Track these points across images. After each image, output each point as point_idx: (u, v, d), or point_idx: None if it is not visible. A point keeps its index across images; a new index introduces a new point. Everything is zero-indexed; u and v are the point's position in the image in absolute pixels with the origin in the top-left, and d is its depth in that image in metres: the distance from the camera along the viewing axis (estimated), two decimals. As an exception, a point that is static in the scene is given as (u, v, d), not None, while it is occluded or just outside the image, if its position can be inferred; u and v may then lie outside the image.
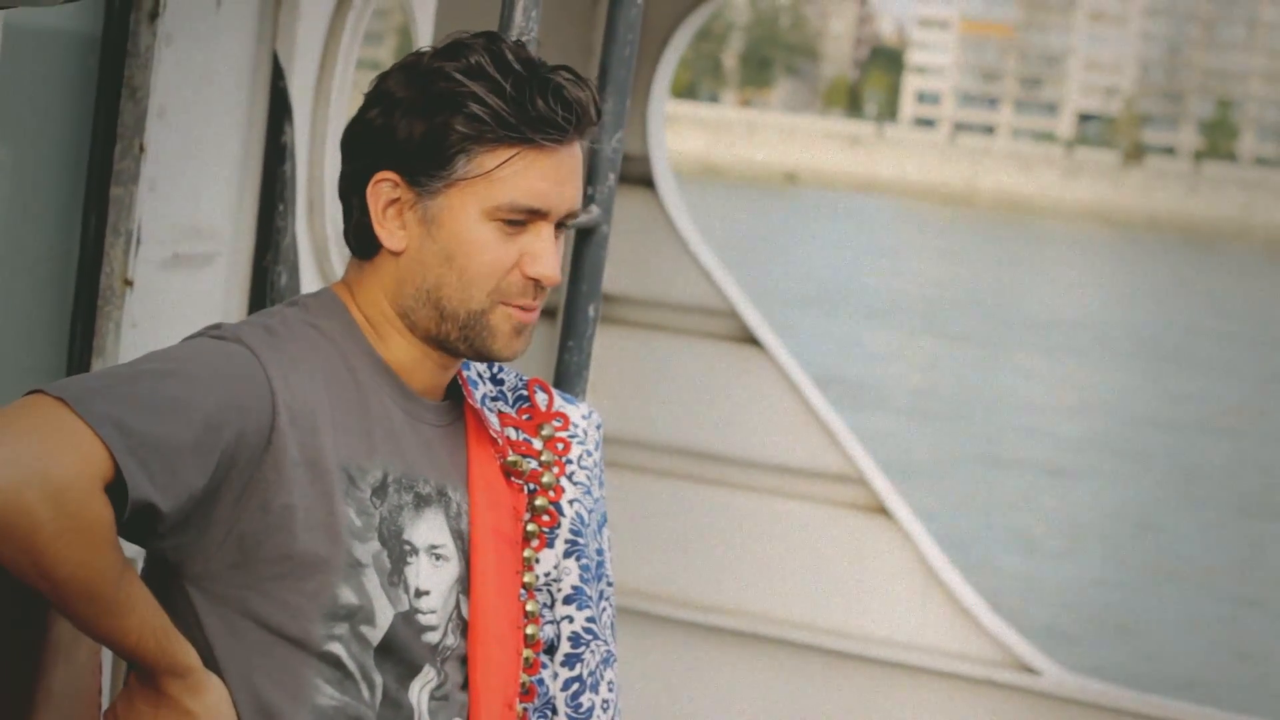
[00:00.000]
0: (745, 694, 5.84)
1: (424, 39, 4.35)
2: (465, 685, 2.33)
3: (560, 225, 2.31)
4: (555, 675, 2.41)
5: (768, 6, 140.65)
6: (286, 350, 2.24)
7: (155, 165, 3.38)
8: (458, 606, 2.32)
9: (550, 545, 2.41)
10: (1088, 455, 24.31)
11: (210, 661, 2.18)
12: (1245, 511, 21.79)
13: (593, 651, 2.43)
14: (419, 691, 2.28)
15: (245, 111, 3.75)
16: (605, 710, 2.43)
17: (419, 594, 2.27)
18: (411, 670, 2.27)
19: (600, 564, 2.46)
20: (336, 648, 2.21)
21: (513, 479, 2.39)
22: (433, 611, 2.28)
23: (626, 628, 4.32)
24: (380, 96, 2.28)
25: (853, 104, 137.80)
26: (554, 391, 2.50)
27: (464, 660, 2.33)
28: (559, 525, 2.41)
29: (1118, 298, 47.12)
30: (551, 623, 2.41)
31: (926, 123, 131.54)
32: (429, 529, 2.30)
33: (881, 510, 5.78)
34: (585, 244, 3.16)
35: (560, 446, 2.45)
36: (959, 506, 19.39)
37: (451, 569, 2.31)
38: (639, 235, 5.94)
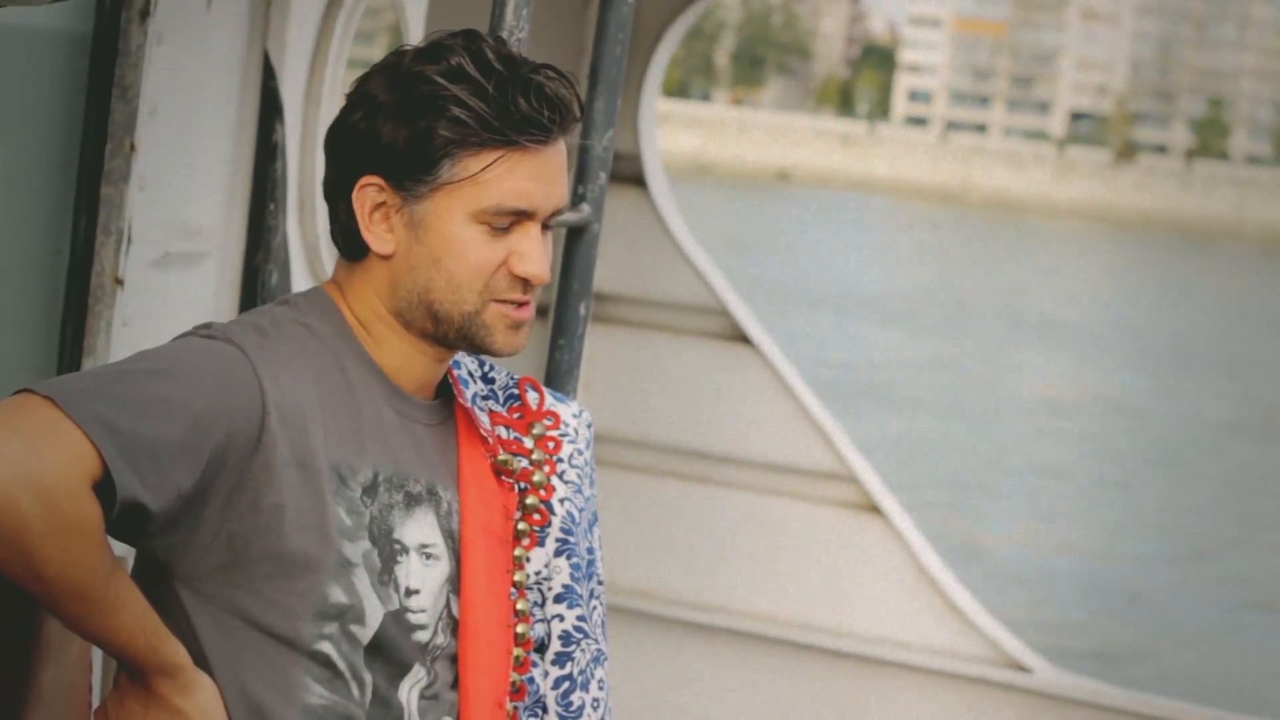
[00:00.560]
0: (736, 692, 5.84)
1: (415, 39, 4.34)
2: (455, 684, 2.33)
3: (547, 224, 2.31)
4: (546, 674, 2.41)
5: (759, 5, 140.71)
6: (277, 350, 2.23)
7: (146, 164, 3.38)
8: (448, 605, 2.32)
9: (541, 544, 2.41)
10: (1085, 453, 24.33)
11: (200, 660, 2.18)
12: (1240, 501, 21.90)
13: (583, 650, 2.43)
14: (409, 690, 2.28)
15: (236, 110, 3.74)
16: (596, 709, 2.43)
17: (409, 593, 2.27)
18: (402, 669, 2.27)
19: (591, 563, 2.46)
20: (327, 647, 2.21)
21: (503, 478, 2.39)
22: (423, 610, 2.28)
23: (617, 626, 4.31)
24: (362, 99, 2.28)
25: (845, 102, 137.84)
26: (545, 390, 2.50)
27: (454, 659, 2.33)
28: (550, 524, 2.41)
29: (1109, 296, 47.14)
30: (542, 621, 2.41)
31: (918, 121, 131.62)
32: (419, 528, 2.30)
33: (873, 508, 5.78)
34: (576, 243, 3.15)
35: (551, 445, 2.45)
36: (955, 503, 19.41)
37: (442, 568, 2.31)
38: (630, 234, 5.94)
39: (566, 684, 2.41)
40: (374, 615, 2.23)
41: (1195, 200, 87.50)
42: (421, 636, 2.28)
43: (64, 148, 3.34)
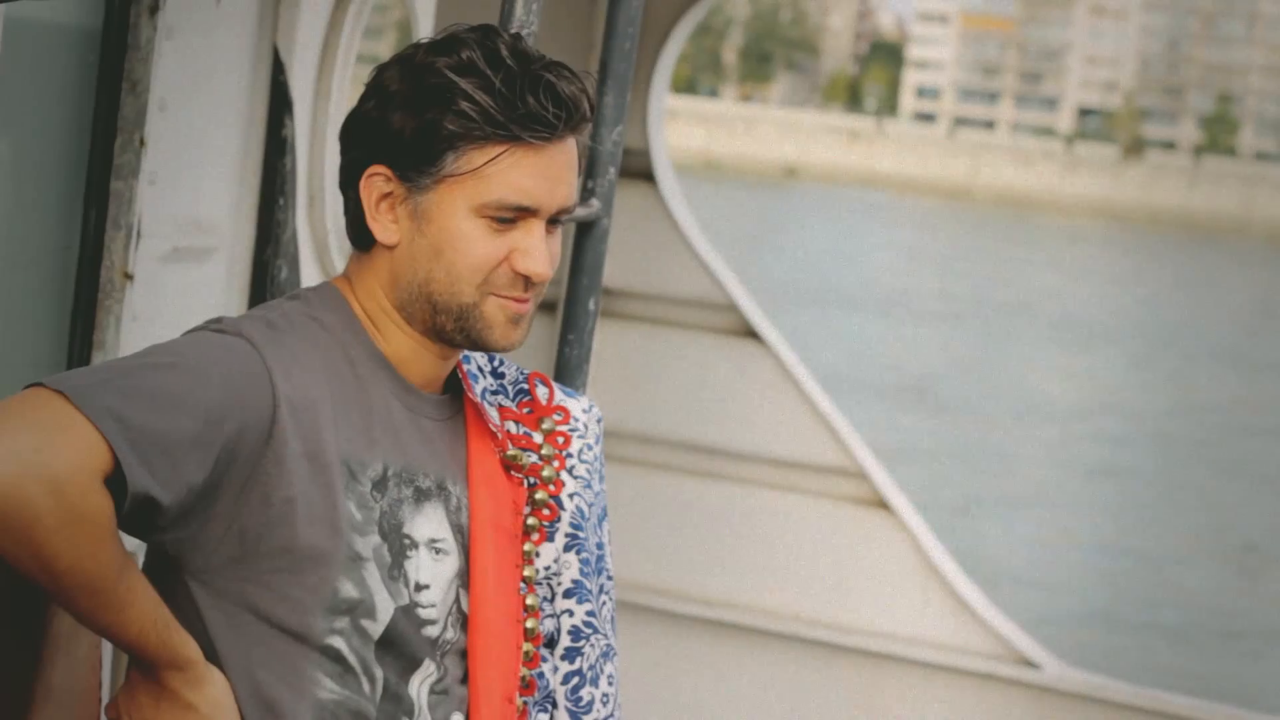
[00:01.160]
0: (744, 688, 5.84)
1: (425, 34, 4.34)
2: (465, 679, 2.33)
3: (554, 221, 2.31)
4: (555, 669, 2.41)
5: (767, 1, 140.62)
6: (287, 344, 2.24)
7: (155, 159, 3.38)
8: (457, 600, 2.32)
9: (550, 539, 2.41)
10: (1092, 448, 24.32)
11: (211, 655, 2.18)
12: (1248, 495, 21.92)
13: (593, 645, 2.43)
14: (419, 685, 2.28)
15: (246, 105, 3.75)
16: (605, 704, 2.43)
17: (419, 588, 2.27)
18: (412, 664, 2.27)
19: (600, 558, 2.46)
20: (337, 641, 2.21)
21: (512, 473, 2.39)
22: (432, 605, 2.28)
23: (626, 621, 4.31)
24: (376, 89, 2.29)
25: (852, 99, 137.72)
26: (555, 385, 2.49)
27: (464, 654, 2.33)
28: (559, 519, 2.41)
29: (1117, 291, 47.11)
30: (551, 616, 2.41)
31: (926, 117, 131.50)
32: (429, 523, 2.30)
33: (881, 504, 5.78)
34: (586, 238, 3.15)
35: (561, 440, 2.44)
36: (961, 499, 19.40)
37: (451, 563, 2.31)
38: (639, 229, 5.94)
39: (576, 679, 2.42)
40: (384, 610, 2.23)
41: (1203, 196, 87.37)
42: (431, 631, 2.28)
43: (74, 142, 3.34)
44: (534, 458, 2.41)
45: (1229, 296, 49.19)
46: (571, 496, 2.42)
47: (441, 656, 2.30)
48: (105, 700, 2.27)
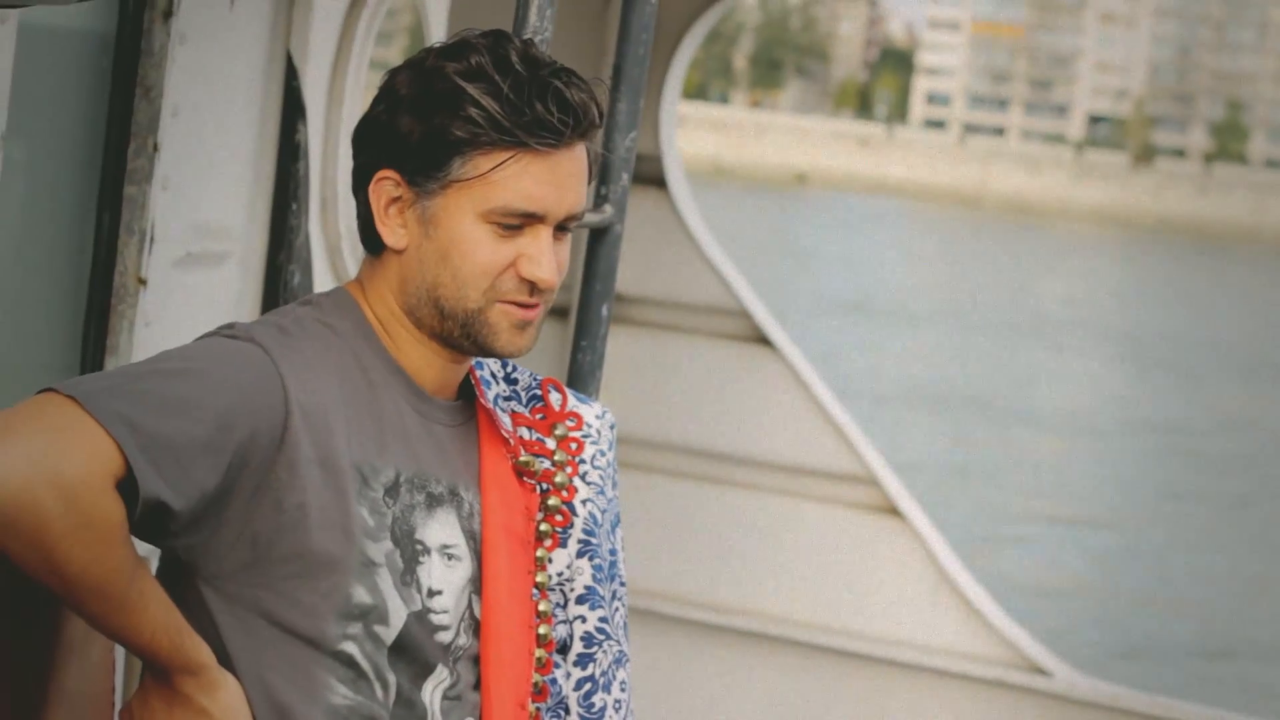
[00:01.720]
0: (756, 694, 5.84)
1: (437, 39, 4.34)
2: (478, 685, 2.33)
3: (563, 228, 2.30)
4: (568, 675, 2.41)
5: (778, 8, 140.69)
6: (300, 349, 2.24)
7: (169, 164, 3.38)
8: (470, 606, 2.31)
9: (563, 545, 2.40)
10: (1100, 455, 24.29)
11: (224, 660, 2.18)
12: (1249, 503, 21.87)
13: (605, 651, 2.42)
14: (432, 691, 2.28)
15: (259, 110, 3.75)
16: (618, 710, 2.43)
17: (431, 594, 2.27)
18: (425, 670, 2.27)
19: (613, 564, 2.46)
20: (350, 647, 2.21)
21: (525, 479, 2.39)
22: (445, 611, 2.28)
23: (638, 628, 4.31)
24: (387, 93, 2.29)
25: (863, 105, 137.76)
26: (568, 391, 2.49)
27: (476, 660, 2.33)
28: (572, 525, 2.41)
29: (1127, 299, 47.06)
30: (564, 622, 2.41)
31: (936, 124, 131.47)
32: (441, 529, 2.30)
33: (893, 511, 5.77)
34: (599, 244, 3.15)
35: (574, 446, 2.44)
36: (974, 503, 19.41)
37: (464, 569, 2.31)
38: (651, 235, 5.94)
39: (589, 685, 2.41)
40: (397, 615, 2.23)
41: (1213, 204, 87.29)
42: (444, 637, 2.28)
43: (87, 147, 3.35)
44: (547, 463, 2.41)
45: (1239, 304, 49.11)
46: (584, 502, 2.42)
47: (454, 662, 2.30)
48: (119, 705, 2.27)
